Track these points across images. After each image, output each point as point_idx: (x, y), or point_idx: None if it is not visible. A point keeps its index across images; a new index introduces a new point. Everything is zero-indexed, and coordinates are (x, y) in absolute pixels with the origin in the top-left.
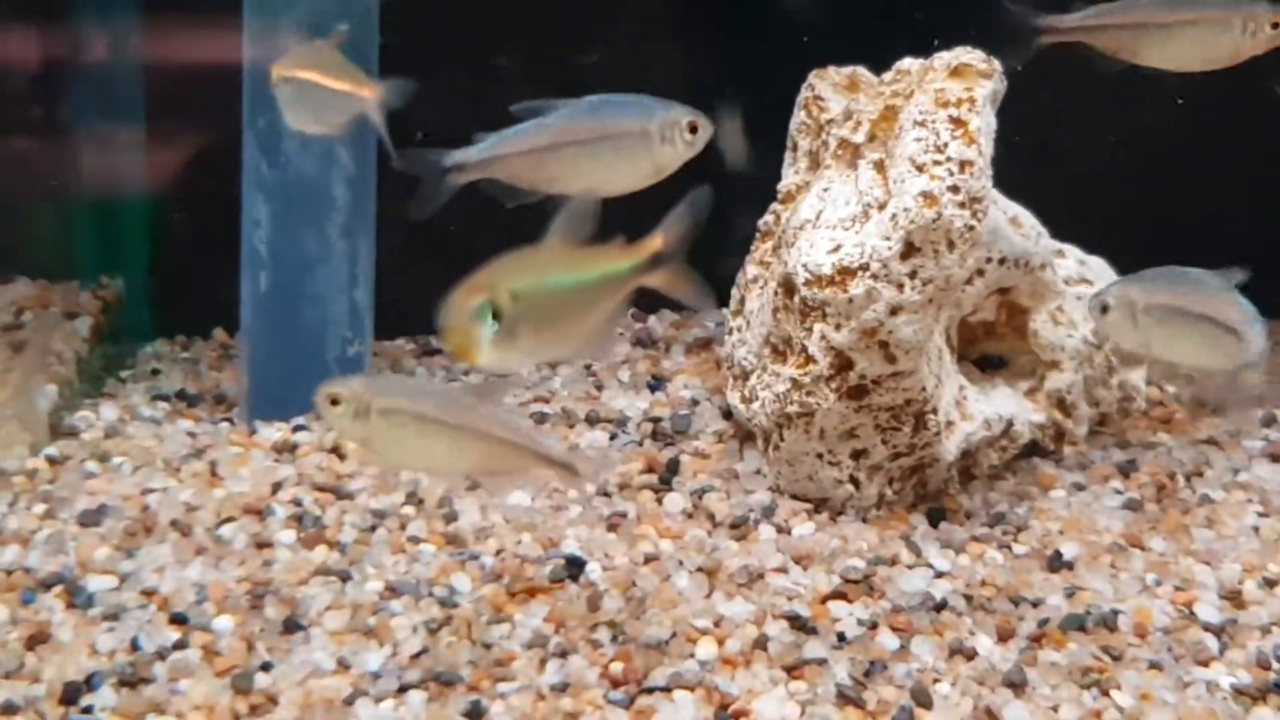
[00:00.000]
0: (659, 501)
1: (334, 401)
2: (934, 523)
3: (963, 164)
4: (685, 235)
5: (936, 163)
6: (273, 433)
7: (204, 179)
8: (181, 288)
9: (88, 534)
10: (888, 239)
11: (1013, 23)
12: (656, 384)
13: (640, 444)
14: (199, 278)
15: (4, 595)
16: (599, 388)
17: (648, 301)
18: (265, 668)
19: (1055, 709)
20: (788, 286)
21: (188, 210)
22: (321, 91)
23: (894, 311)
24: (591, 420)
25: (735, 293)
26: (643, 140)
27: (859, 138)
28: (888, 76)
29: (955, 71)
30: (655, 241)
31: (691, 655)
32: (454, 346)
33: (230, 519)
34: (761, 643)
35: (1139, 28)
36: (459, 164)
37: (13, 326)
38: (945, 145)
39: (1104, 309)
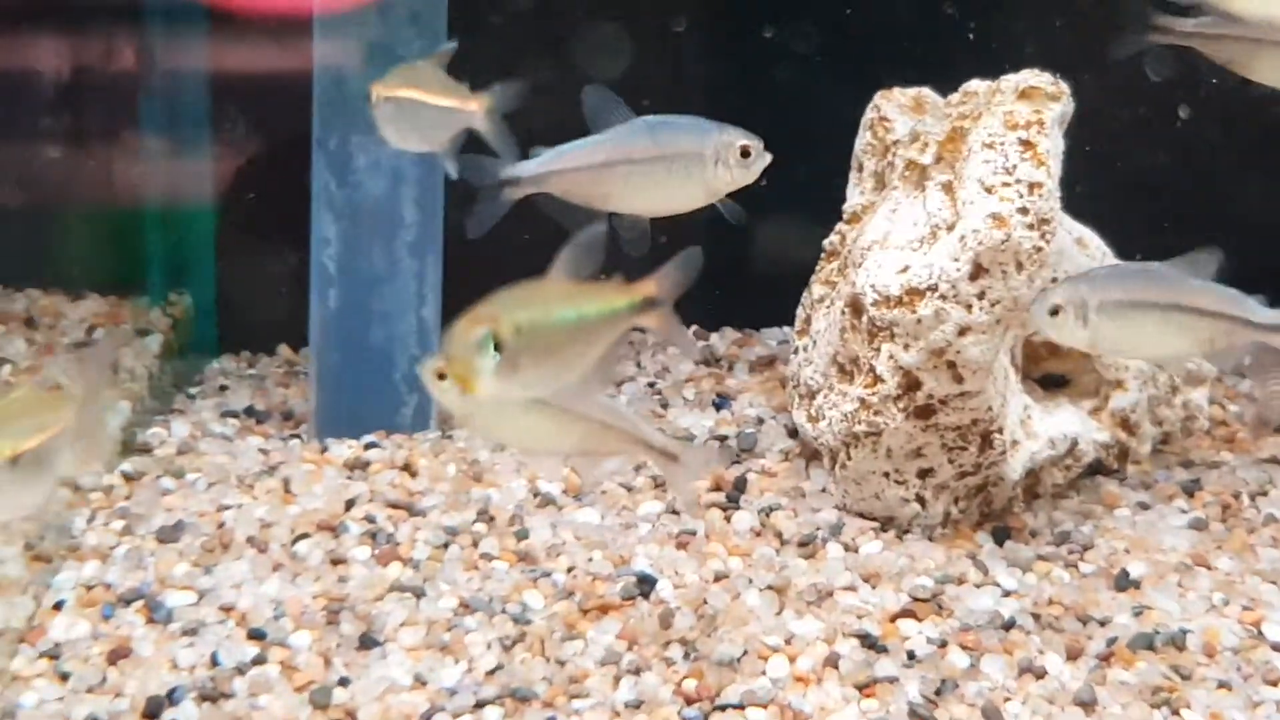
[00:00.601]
0: (727, 519)
1: (441, 376)
2: (999, 541)
3: (1032, 186)
4: (677, 286)
5: (1005, 184)
6: (344, 450)
7: (268, 194)
8: (246, 304)
9: (166, 550)
10: (956, 260)
11: (1128, 15)
12: (721, 402)
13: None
14: (263, 294)
15: (84, 610)
16: (664, 405)
17: (711, 319)
18: (343, 683)
19: None
20: (855, 307)
21: (252, 226)
22: (425, 109)
23: (962, 332)
24: None
25: (801, 312)
26: (696, 162)
27: (926, 159)
28: (954, 98)
29: (1024, 94)
30: (650, 286)
31: (763, 673)
32: (455, 377)
33: (305, 535)
34: (833, 660)
35: (1256, 43)
36: (515, 177)
37: (85, 344)
38: (1014, 167)
39: (1053, 311)
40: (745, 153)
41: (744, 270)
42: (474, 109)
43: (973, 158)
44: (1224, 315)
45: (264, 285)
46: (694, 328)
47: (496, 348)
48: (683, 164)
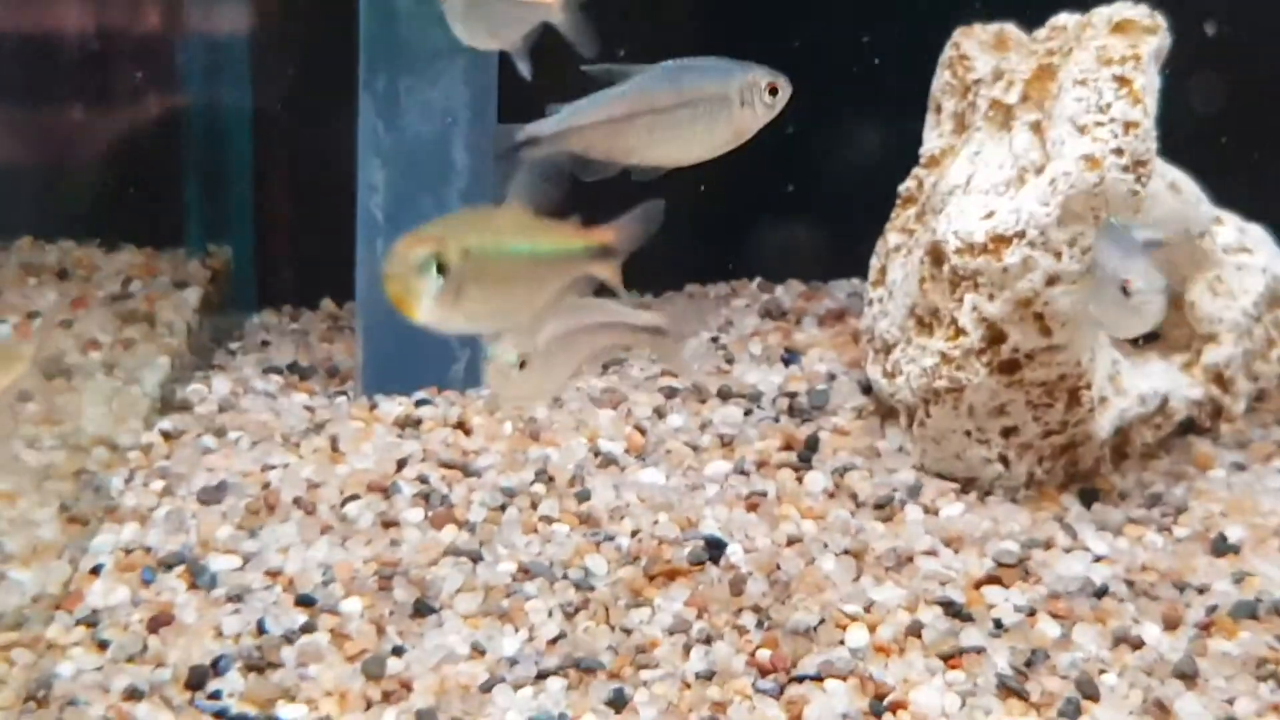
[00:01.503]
0: (799, 480)
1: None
2: (1087, 503)
3: (1127, 125)
4: (635, 237)
5: (1099, 124)
6: (394, 407)
7: (310, 142)
8: (287, 256)
9: (208, 511)
10: (1046, 204)
11: None
12: (790, 357)
13: (777, 420)
14: (305, 246)
15: (123, 575)
16: (729, 361)
17: (776, 271)
18: (397, 652)
19: (1230, 702)
20: (936, 255)
21: (294, 175)
22: (500, 4)
23: (1051, 281)
24: (724, 395)
25: (875, 261)
26: (722, 105)
27: (1011, 98)
28: (1041, 33)
29: (1118, 27)
30: (608, 233)
31: (842, 642)
32: (393, 297)
33: (355, 497)
34: (915, 630)
35: None
36: (533, 137)
37: (122, 296)
38: (1109, 105)
39: None
40: (773, 90)
41: (809, 219)
42: (551, 2)
43: (1064, 96)
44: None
45: (306, 236)
46: (758, 279)
47: (440, 270)
48: (708, 108)
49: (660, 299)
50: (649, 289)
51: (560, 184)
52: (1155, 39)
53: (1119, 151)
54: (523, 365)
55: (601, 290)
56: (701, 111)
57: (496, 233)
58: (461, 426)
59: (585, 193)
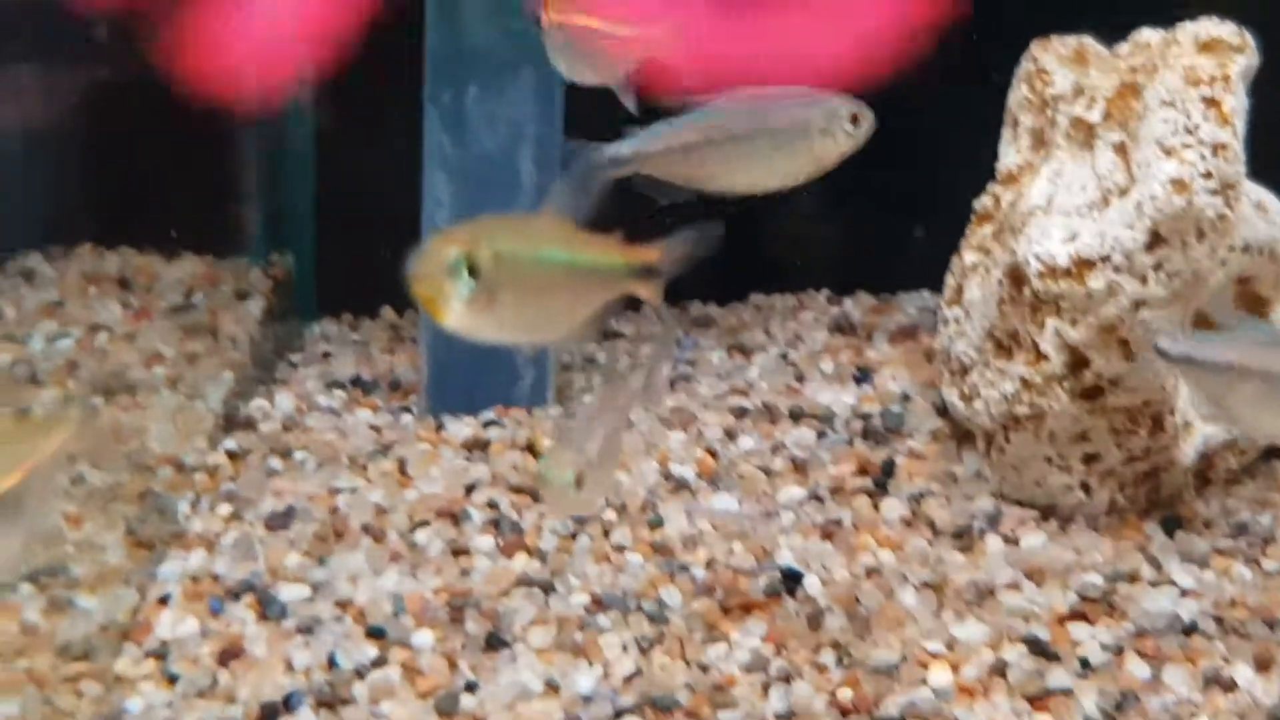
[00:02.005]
0: (875, 507)
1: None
2: (1170, 532)
3: (1216, 147)
4: (681, 260)
5: (1187, 146)
6: (462, 428)
7: (370, 149)
8: (348, 264)
9: (276, 538)
10: (1132, 228)
11: None
12: (862, 376)
13: (850, 443)
14: (365, 253)
15: (192, 604)
16: (800, 379)
17: (843, 283)
18: (470, 688)
19: None
20: (1016, 277)
21: (355, 182)
22: (603, 37)
23: (1136, 306)
24: (795, 416)
25: (950, 280)
26: (802, 134)
27: (1094, 116)
28: (1124, 49)
29: (1206, 46)
30: (653, 253)
31: (924, 682)
32: (421, 298)
33: (424, 523)
34: (1000, 669)
35: None
36: (612, 159)
37: (184, 307)
38: (1197, 127)
39: None
40: (855, 120)
41: (878, 231)
42: (658, 35)
43: (1150, 116)
44: None
45: (366, 244)
46: (825, 292)
47: (472, 273)
48: (789, 136)
49: (725, 309)
50: (712, 298)
51: (601, 196)
52: (1244, 58)
53: (1208, 175)
54: (579, 482)
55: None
56: (782, 140)
57: (533, 239)
58: (530, 449)
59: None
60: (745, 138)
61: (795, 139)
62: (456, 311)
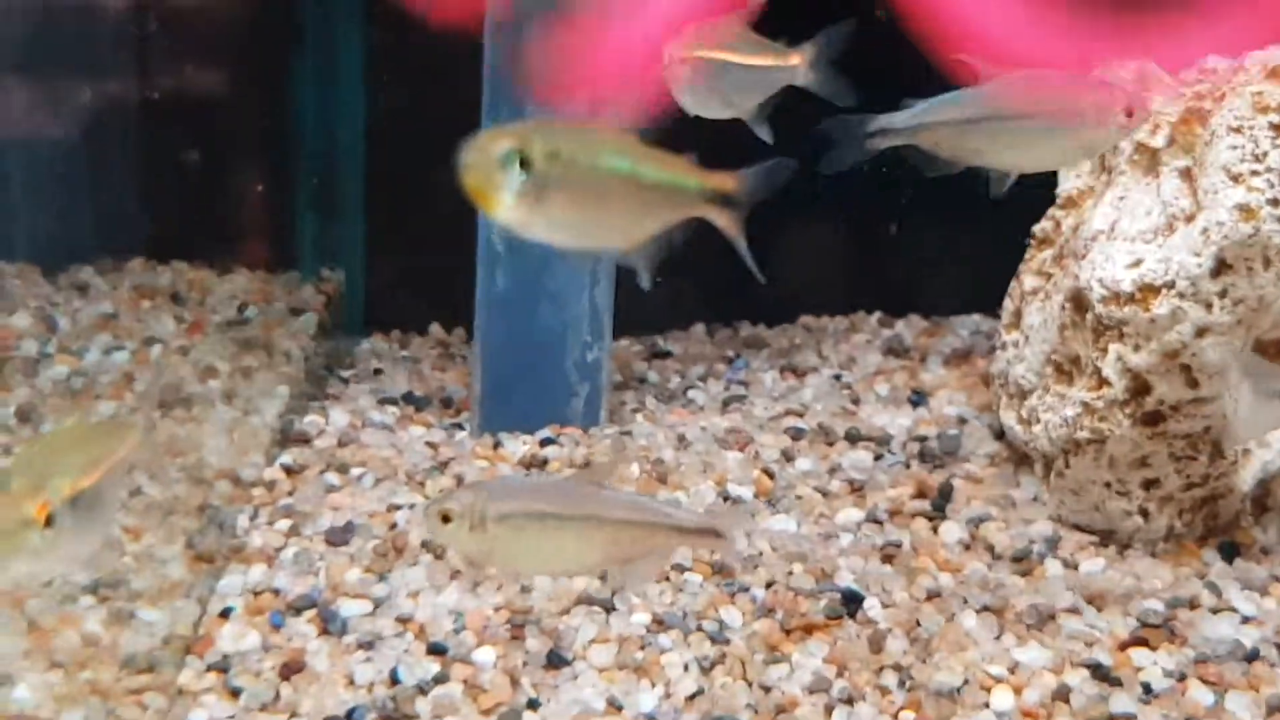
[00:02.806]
0: (934, 530)
1: (445, 519)
2: (1228, 558)
3: None
4: (758, 191)
5: (1255, 173)
6: (519, 446)
7: (420, 164)
8: (397, 280)
9: (336, 553)
10: (1197, 255)
11: None
12: (918, 399)
13: (907, 466)
14: (415, 270)
15: (253, 618)
16: (855, 401)
17: (895, 305)
18: (532, 705)
19: None
20: (1078, 302)
21: (405, 197)
22: (735, 70)
23: (1200, 333)
24: (852, 438)
25: (1009, 304)
26: (1076, 121)
27: (1158, 142)
28: (1189, 75)
29: (1274, 72)
30: (730, 180)
31: (987, 705)
32: (471, 188)
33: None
34: (1063, 694)
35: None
36: (883, 129)
37: (237, 322)
38: (1264, 154)
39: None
40: (1129, 112)
41: (929, 253)
42: (795, 64)
43: (1216, 143)
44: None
45: (416, 260)
46: (877, 314)
47: (524, 167)
48: (1061, 123)
49: (775, 330)
50: (761, 319)
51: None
52: None
53: (1275, 202)
54: (446, 520)
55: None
56: (1055, 125)
57: (594, 145)
58: (588, 467)
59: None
60: (1020, 119)
61: (1068, 125)
62: (505, 204)
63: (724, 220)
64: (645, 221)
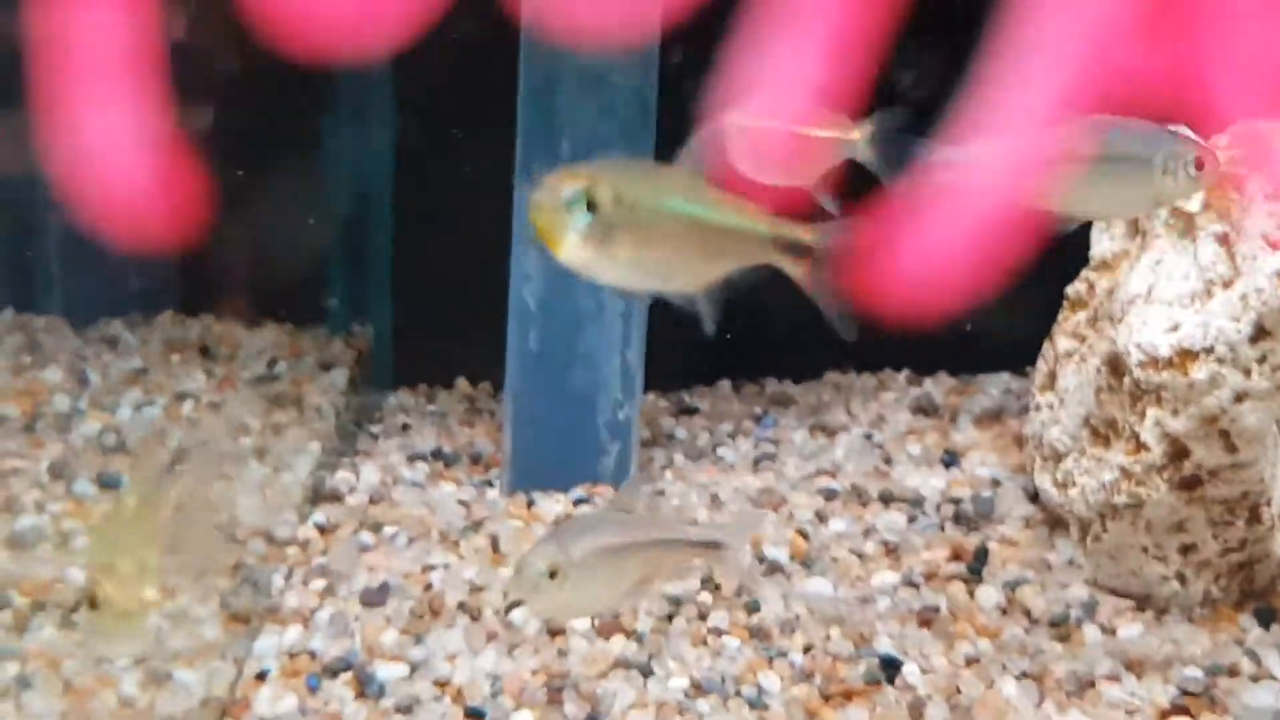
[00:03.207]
0: (970, 594)
1: (553, 574)
2: (1265, 624)
3: None
4: (840, 243)
5: None
6: (553, 505)
7: (450, 218)
8: (425, 334)
9: (372, 614)
10: (1236, 320)
11: None
12: (950, 459)
13: (942, 528)
14: (442, 324)
15: (289, 680)
16: (888, 461)
17: (923, 363)
18: None
19: None
20: (1115, 366)
21: (433, 251)
22: (795, 139)
23: (1239, 398)
24: (885, 499)
25: (1042, 365)
26: (1143, 169)
27: (1193, 206)
28: (1222, 139)
29: None
30: (806, 231)
31: None
32: (539, 228)
33: (519, 602)
34: None
35: None
36: (945, 161)
37: (268, 378)
38: None
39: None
40: (1199, 164)
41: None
42: (855, 138)
43: (1254, 209)
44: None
45: (443, 315)
46: (905, 371)
47: (590, 208)
48: (1128, 169)
49: (802, 386)
50: (788, 376)
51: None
52: None
53: None
54: (553, 575)
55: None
56: (1122, 171)
57: (662, 188)
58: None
59: None
60: (1087, 163)
61: (1135, 172)
62: (571, 245)
63: (798, 270)
64: (713, 266)
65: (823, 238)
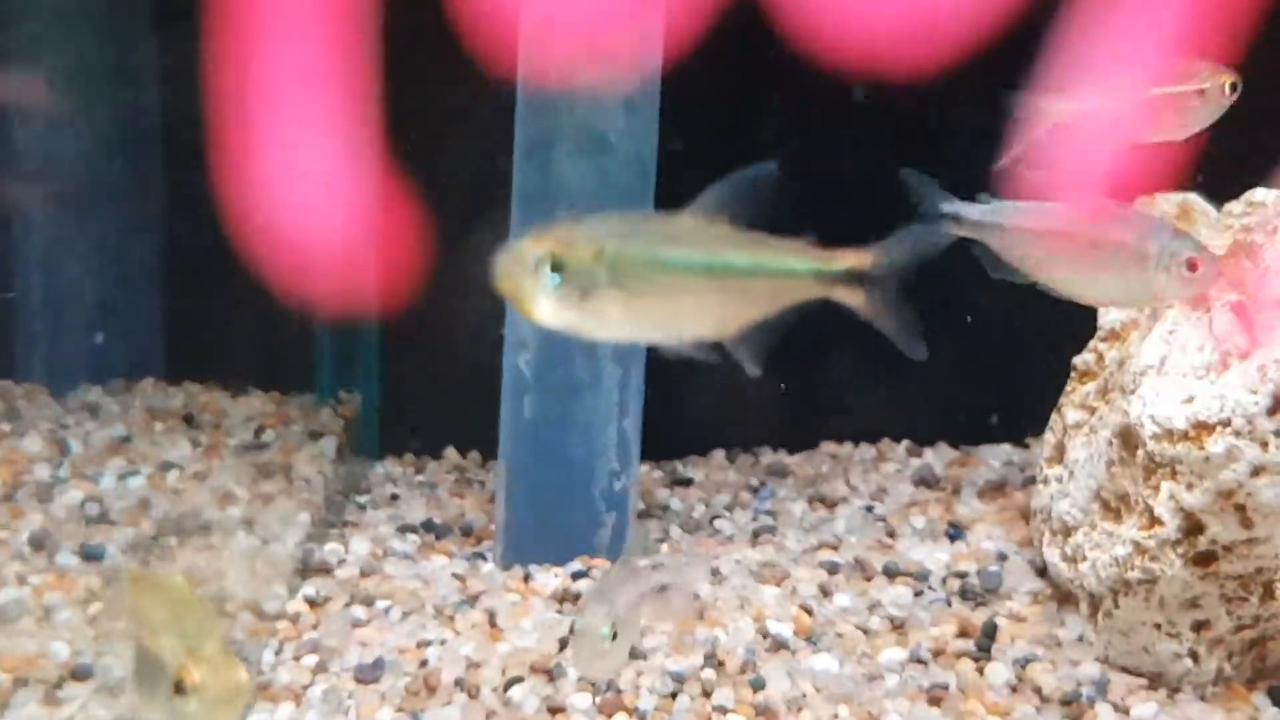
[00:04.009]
0: (979, 672)
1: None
2: (1278, 702)
3: None
4: (903, 264)
5: None
6: (550, 579)
7: (439, 283)
8: (412, 403)
9: (366, 692)
10: (1254, 392)
11: None
12: (955, 533)
13: (948, 603)
14: (430, 393)
15: None
16: (890, 534)
17: (923, 433)
18: None
19: None
20: (1127, 438)
21: (421, 318)
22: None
23: (1256, 473)
24: (890, 573)
25: (1050, 437)
26: (1137, 259)
27: None
28: (1235, 208)
29: None
30: (860, 256)
31: None
32: (507, 296)
33: (518, 679)
34: None
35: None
36: (957, 215)
37: (254, 446)
38: None
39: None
40: (1192, 266)
41: (958, 381)
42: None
43: (1271, 279)
44: None
45: (431, 383)
46: (905, 442)
47: (557, 269)
48: (1124, 256)
49: (798, 456)
50: (782, 445)
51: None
52: None
53: None
54: (615, 636)
55: None
56: (1118, 258)
57: (663, 240)
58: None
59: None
60: (1082, 242)
61: (1128, 262)
62: (544, 309)
63: (863, 304)
64: (743, 310)
65: (880, 259)
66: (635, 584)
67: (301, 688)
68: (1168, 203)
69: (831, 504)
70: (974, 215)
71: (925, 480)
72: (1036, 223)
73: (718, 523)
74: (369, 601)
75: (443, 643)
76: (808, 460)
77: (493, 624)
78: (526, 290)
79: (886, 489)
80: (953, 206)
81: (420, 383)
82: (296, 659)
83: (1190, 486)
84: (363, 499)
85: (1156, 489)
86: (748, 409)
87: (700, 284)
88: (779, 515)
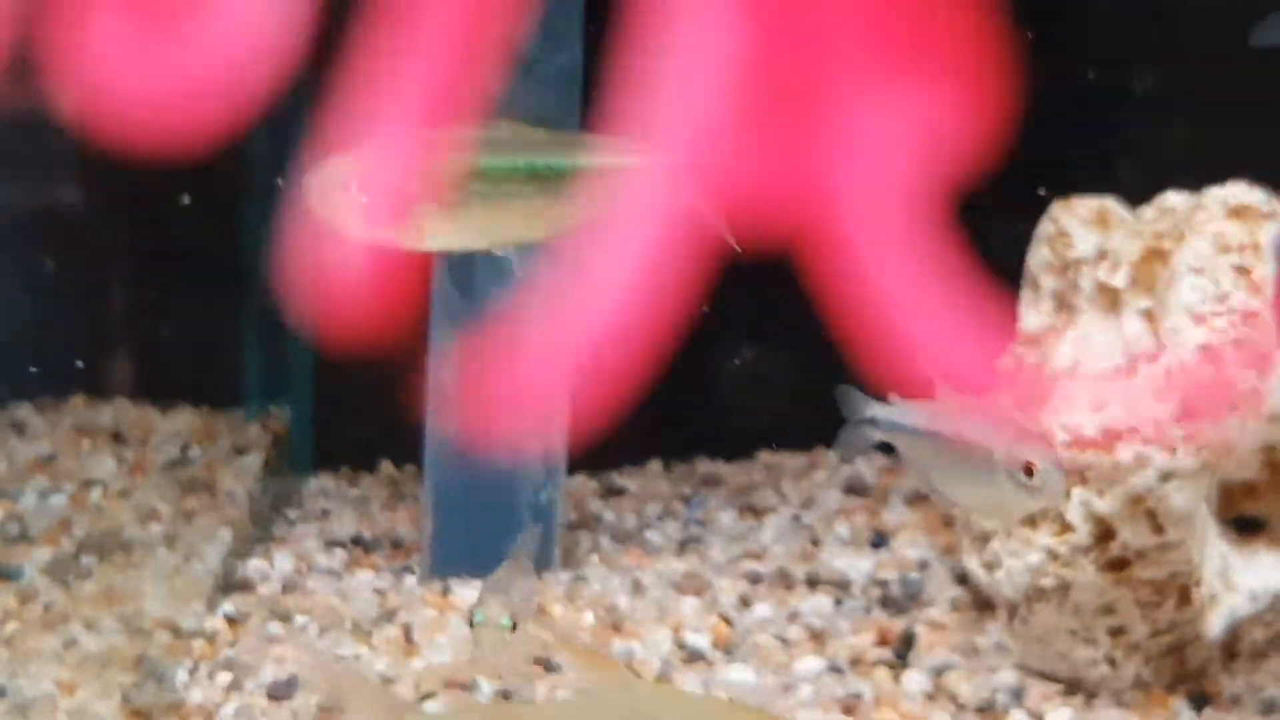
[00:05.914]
0: (896, 680)
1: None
2: (1197, 708)
3: (1247, 316)
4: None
5: (1217, 314)
6: (469, 593)
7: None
8: (346, 416)
9: (279, 709)
10: (1162, 398)
11: None
12: (879, 540)
13: (868, 611)
14: (363, 406)
15: None
16: (815, 542)
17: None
18: None
19: None
20: None
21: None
22: None
23: (1166, 478)
24: (812, 582)
25: None
26: (992, 468)
27: (1119, 281)
28: (1148, 213)
29: (1235, 212)
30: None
31: None
32: (322, 214)
33: (432, 694)
34: None
35: None
36: (871, 418)
37: (181, 462)
38: (1227, 295)
39: None
40: (1028, 471)
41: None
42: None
43: (1178, 283)
44: None
45: (364, 396)
46: (840, 451)
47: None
48: (988, 468)
49: (734, 465)
50: (720, 455)
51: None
52: (1274, 225)
53: (1239, 344)
54: (515, 628)
55: None
56: (983, 471)
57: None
58: (541, 615)
59: None
60: (959, 451)
61: (993, 472)
62: (360, 225)
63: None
64: (564, 211)
65: None
66: (527, 579)
67: (214, 706)
68: (1086, 207)
69: (760, 513)
70: (882, 416)
71: (854, 488)
72: (932, 425)
73: (647, 534)
74: (287, 618)
75: (358, 658)
76: (742, 469)
77: (408, 639)
78: (341, 208)
79: (815, 497)
80: (871, 409)
81: (353, 395)
82: (210, 677)
83: (1101, 493)
84: (293, 514)
85: (1069, 496)
86: (683, 419)
87: (518, 188)
88: (708, 524)
